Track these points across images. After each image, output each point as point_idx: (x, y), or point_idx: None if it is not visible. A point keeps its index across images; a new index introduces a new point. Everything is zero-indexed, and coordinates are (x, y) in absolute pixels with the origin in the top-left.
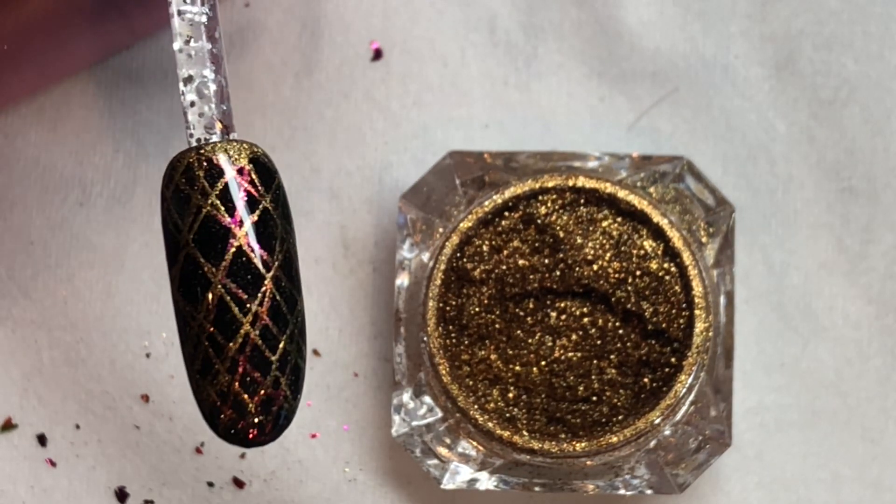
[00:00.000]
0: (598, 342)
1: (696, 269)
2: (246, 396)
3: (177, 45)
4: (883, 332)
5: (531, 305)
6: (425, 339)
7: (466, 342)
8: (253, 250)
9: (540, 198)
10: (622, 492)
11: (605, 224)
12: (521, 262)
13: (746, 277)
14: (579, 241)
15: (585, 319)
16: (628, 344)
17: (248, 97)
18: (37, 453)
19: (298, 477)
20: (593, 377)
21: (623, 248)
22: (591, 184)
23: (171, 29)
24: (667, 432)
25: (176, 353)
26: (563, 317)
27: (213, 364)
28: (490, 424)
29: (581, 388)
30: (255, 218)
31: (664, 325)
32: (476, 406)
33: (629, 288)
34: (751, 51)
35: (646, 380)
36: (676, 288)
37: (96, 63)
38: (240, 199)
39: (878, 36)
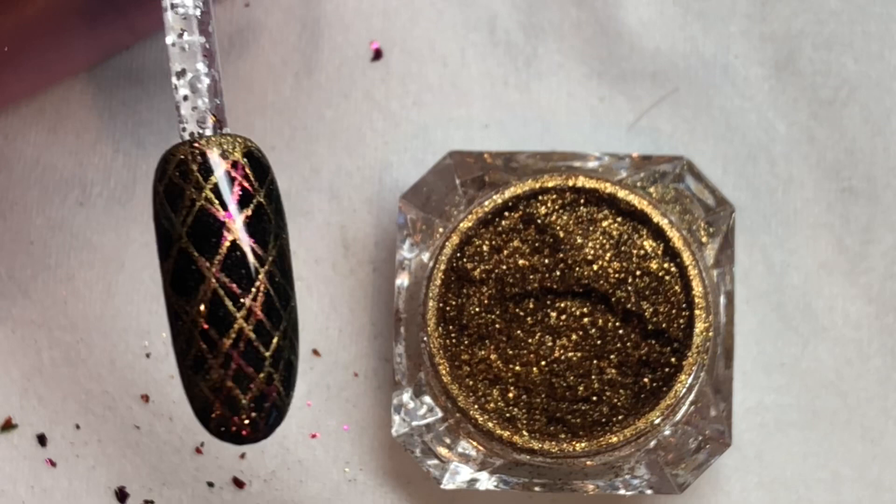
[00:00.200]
0: (598, 342)
1: (696, 269)
2: (239, 392)
3: (169, 40)
4: (883, 332)
5: (531, 305)
6: (425, 339)
7: (466, 342)
8: (247, 244)
9: (540, 198)
10: (622, 492)
11: (605, 224)
12: (521, 262)
13: (746, 277)
14: (579, 241)
15: (585, 319)
16: (628, 344)
17: (248, 97)
18: (37, 453)
19: (298, 477)
20: (593, 377)
21: (623, 248)
22: (591, 184)
23: (164, 23)
24: (667, 432)
25: None
26: (563, 317)
27: (205, 359)
28: (490, 424)
29: (581, 388)
30: (250, 212)
31: (664, 325)
32: (476, 406)
33: (629, 288)
34: (751, 51)
35: (646, 380)
36: (676, 288)
37: (96, 63)
38: (234, 193)
39: (878, 36)
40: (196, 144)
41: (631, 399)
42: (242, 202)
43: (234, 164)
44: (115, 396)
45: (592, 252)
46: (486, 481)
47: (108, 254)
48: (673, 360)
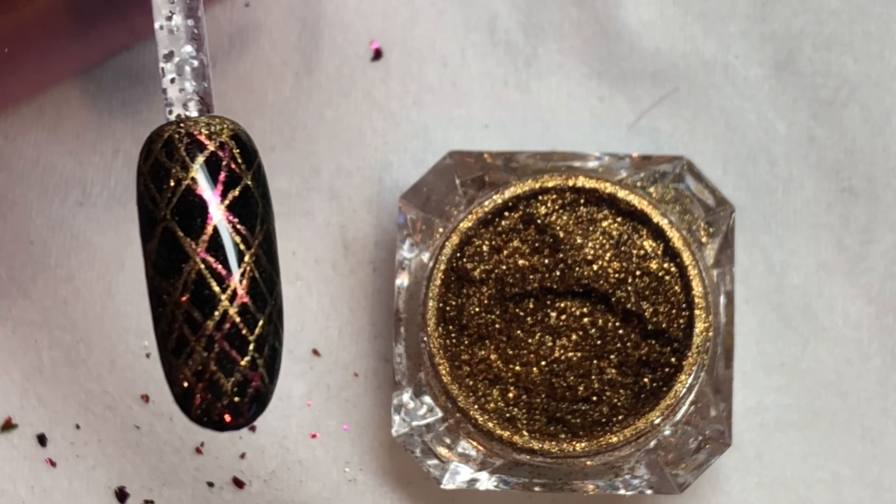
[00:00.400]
0: (598, 342)
1: (696, 269)
2: (222, 376)
3: (157, 23)
4: (883, 332)
5: (531, 305)
6: (425, 339)
7: (466, 342)
8: (234, 226)
9: (540, 198)
10: (622, 492)
11: (605, 224)
12: (521, 262)
13: (746, 277)
14: (579, 241)
15: (585, 319)
16: (628, 344)
17: (248, 97)
18: (37, 453)
19: (298, 477)
20: (593, 377)
21: (623, 248)
22: (591, 184)
23: (153, 6)
24: (667, 432)
25: None
26: (563, 317)
27: (188, 342)
28: (490, 424)
29: (581, 388)
30: (237, 193)
31: (664, 325)
32: (476, 406)
33: (629, 288)
34: (751, 51)
35: (646, 380)
36: (676, 288)
37: (96, 63)
38: (221, 174)
39: (878, 36)
40: (183, 125)
41: (631, 399)
42: (229, 183)
43: (222, 146)
44: (115, 396)
45: (592, 252)
46: (486, 481)
47: (108, 254)
48: (673, 360)
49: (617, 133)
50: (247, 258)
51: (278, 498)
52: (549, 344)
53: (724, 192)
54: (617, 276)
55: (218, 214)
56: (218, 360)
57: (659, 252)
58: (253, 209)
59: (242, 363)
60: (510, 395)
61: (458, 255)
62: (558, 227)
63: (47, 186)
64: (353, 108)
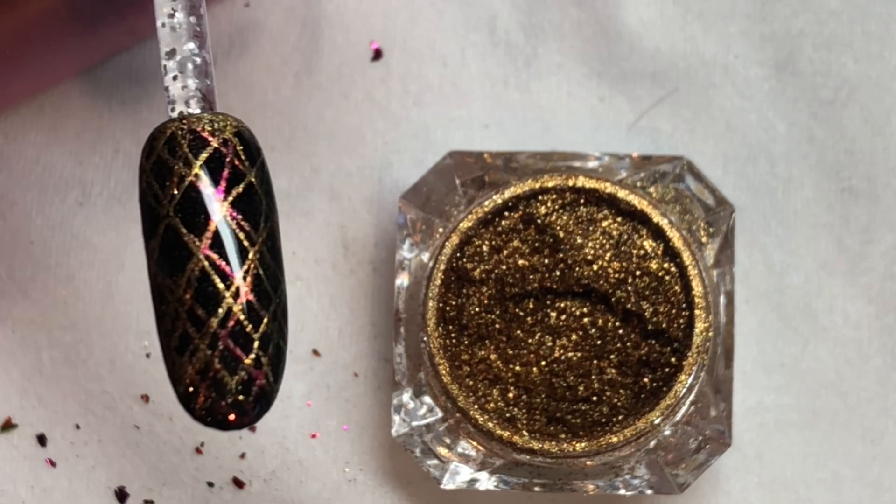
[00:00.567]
0: (598, 342)
1: (696, 269)
2: (226, 374)
3: (160, 20)
4: (883, 332)
5: (531, 305)
6: (425, 339)
7: (466, 342)
8: (237, 222)
9: (540, 198)
10: (622, 492)
11: (605, 224)
12: (521, 262)
13: (746, 277)
14: (579, 241)
15: (585, 319)
16: (628, 344)
17: (248, 97)
18: (37, 453)
19: (298, 477)
20: (593, 377)
21: (623, 248)
22: (591, 184)
23: (154, 4)
24: (667, 432)
25: None
26: (563, 317)
27: (191, 339)
28: (490, 424)
29: (581, 388)
30: (240, 190)
31: (664, 325)
32: (476, 406)
33: (629, 288)
34: (751, 51)
35: (646, 380)
36: (676, 288)
37: (96, 64)
38: (224, 171)
39: (878, 36)
40: (185, 121)
41: (631, 399)
42: (233, 180)
43: (225, 142)
44: (115, 396)
45: (592, 252)
46: (486, 481)
47: (108, 254)
48: (673, 360)
49: (617, 133)
50: (251, 255)
51: (278, 498)
52: (549, 344)
53: (724, 192)
54: (617, 276)
55: (221, 211)
56: (222, 358)
57: (659, 252)
58: (257, 206)
59: (247, 361)
60: (510, 395)
61: (458, 255)
62: (558, 227)
63: (47, 186)
64: (353, 108)
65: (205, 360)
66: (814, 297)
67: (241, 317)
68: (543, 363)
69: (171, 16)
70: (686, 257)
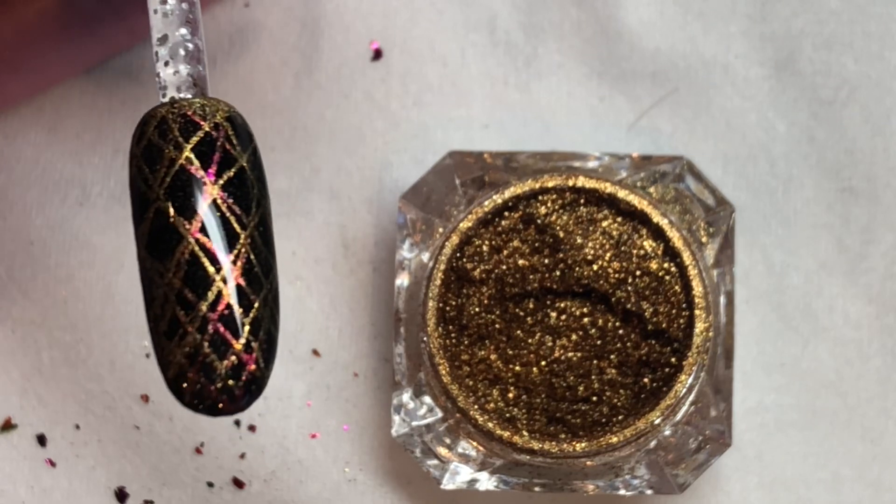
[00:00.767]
0: (598, 342)
1: (696, 269)
2: (216, 358)
3: (152, 7)
4: (883, 332)
5: (531, 305)
6: (425, 339)
7: (466, 342)
8: (228, 206)
9: (540, 198)
10: (622, 492)
11: (605, 224)
12: (521, 262)
13: (746, 277)
14: (579, 241)
15: (585, 319)
16: (628, 344)
17: (248, 97)
18: (37, 453)
19: (298, 477)
20: (593, 377)
21: (623, 248)
22: (591, 184)
23: None
24: (667, 432)
25: None
26: (563, 317)
27: (181, 324)
28: (490, 424)
29: (581, 388)
30: (232, 174)
31: (664, 325)
32: (476, 406)
33: (629, 288)
34: (751, 51)
35: (646, 380)
36: (676, 288)
37: (96, 64)
38: (215, 155)
39: (878, 36)
40: (177, 105)
41: (631, 399)
42: (223, 164)
43: (216, 126)
44: (115, 396)
45: (592, 252)
46: (486, 481)
47: (108, 254)
48: (673, 360)
49: (617, 133)
50: (242, 239)
51: (278, 498)
52: (549, 344)
53: (724, 192)
54: (617, 276)
55: (212, 194)
56: (212, 342)
57: (659, 252)
58: (248, 191)
59: (237, 346)
60: (510, 395)
61: (458, 255)
62: (558, 227)
63: (47, 186)
64: (353, 108)
65: (194, 345)
66: (814, 297)
67: (232, 300)
68: (543, 363)
69: (164, 2)
70: (686, 257)
